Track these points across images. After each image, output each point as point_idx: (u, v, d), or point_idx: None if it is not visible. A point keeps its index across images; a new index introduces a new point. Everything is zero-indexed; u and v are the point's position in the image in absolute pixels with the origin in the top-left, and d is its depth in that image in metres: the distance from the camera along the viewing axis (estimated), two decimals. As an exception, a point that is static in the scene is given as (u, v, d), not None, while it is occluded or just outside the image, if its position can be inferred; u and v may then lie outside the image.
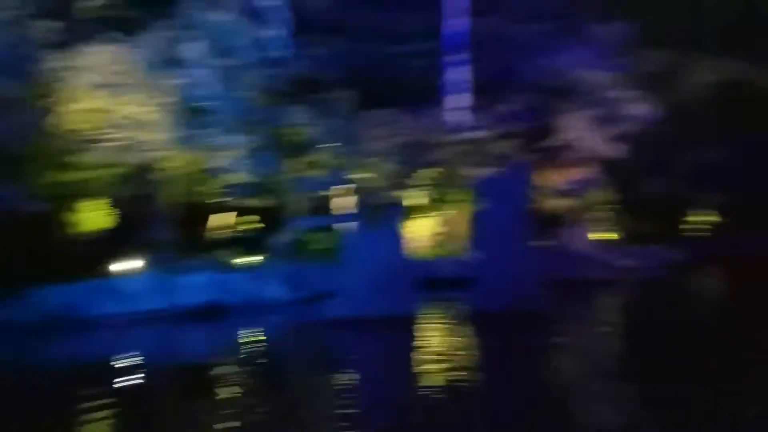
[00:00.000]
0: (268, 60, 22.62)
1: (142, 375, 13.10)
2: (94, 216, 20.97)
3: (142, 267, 21.05)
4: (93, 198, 20.92)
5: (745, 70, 34.41)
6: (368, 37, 25.65)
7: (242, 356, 14.35)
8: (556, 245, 26.90)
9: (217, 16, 21.88)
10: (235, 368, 12.96)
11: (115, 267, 20.65)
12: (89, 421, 9.59)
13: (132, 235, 21.58)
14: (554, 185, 29.82)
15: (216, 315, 19.85)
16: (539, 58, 29.67)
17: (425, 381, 11.40)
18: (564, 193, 29.62)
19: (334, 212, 25.34)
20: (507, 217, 16.92)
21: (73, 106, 19.43)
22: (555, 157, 29.43)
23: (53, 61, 19.01)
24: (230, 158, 22.38)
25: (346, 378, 11.96)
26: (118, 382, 12.31)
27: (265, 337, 17.09)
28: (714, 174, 33.08)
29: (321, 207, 25.49)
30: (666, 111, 30.78)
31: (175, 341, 17.75)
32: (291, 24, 22.33)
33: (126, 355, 15.67)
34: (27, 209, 18.11)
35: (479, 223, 18.19)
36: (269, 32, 22.52)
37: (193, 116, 21.58)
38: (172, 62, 20.96)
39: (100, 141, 19.85)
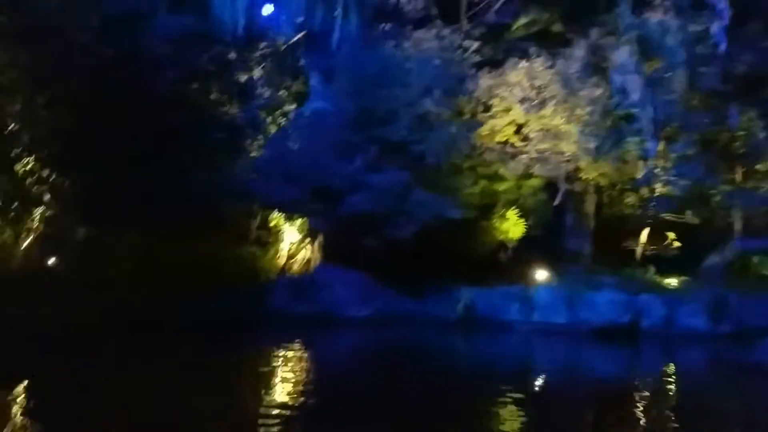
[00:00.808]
0: (702, 57, 20.00)
1: (554, 387, 12.85)
2: (514, 225, 21.81)
3: (555, 278, 20.99)
4: (514, 208, 21.76)
5: None
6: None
7: (655, 388, 12.80)
8: None
9: (647, 16, 20.33)
10: (646, 400, 11.65)
11: (530, 276, 21.08)
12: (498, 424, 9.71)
13: (548, 246, 21.75)
14: None
15: (624, 337, 18.53)
16: None
17: None
18: None
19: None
20: None
21: (496, 120, 20.51)
22: None
23: (481, 79, 20.36)
24: (655, 168, 20.58)
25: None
26: (530, 390, 12.28)
27: (679, 371, 14.99)
28: None
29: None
30: None
31: (583, 358, 17.24)
32: (728, 15, 19.24)
33: (537, 364, 15.92)
34: (454, 217, 19.81)
35: None
36: (704, 27, 19.86)
37: (615, 125, 20.54)
38: (596, 70, 20.33)
39: (519, 153, 20.51)
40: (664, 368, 15.37)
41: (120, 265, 16.70)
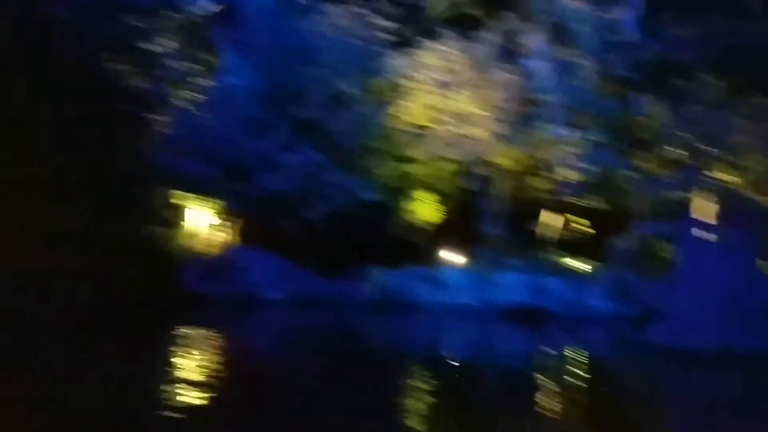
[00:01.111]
0: (613, 45, 20.42)
1: (459, 369, 12.89)
2: (426, 207, 21.83)
3: (466, 260, 21.20)
4: (427, 190, 21.76)
5: None
6: (739, 12, 21.19)
7: (560, 369, 12.95)
8: None
9: (562, 3, 20.58)
10: (551, 381, 11.72)
11: (441, 257, 21.21)
12: (405, 407, 9.57)
13: (461, 229, 21.90)
14: None
15: (531, 318, 18.92)
16: None
17: None
18: None
19: (689, 218, 21.75)
20: None
21: (409, 102, 20.38)
22: None
23: (393, 59, 20.17)
24: (566, 153, 20.93)
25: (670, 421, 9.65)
26: (435, 373, 12.16)
27: (585, 353, 15.29)
28: None
29: (673, 211, 22.13)
30: None
31: (490, 340, 17.48)
32: (640, 5, 19.68)
33: (444, 345, 15.95)
34: (366, 198, 19.64)
35: None
36: (616, 15, 20.27)
37: (528, 110, 20.76)
38: (509, 55, 20.46)
39: (432, 136, 20.47)
40: (568, 348, 15.71)
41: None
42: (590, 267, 21.31)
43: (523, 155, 21.33)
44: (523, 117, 20.61)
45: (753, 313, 13.78)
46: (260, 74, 19.61)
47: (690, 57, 21.11)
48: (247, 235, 20.49)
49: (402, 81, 20.30)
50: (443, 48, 19.97)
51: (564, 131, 20.34)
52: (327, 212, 19.37)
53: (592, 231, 22.71)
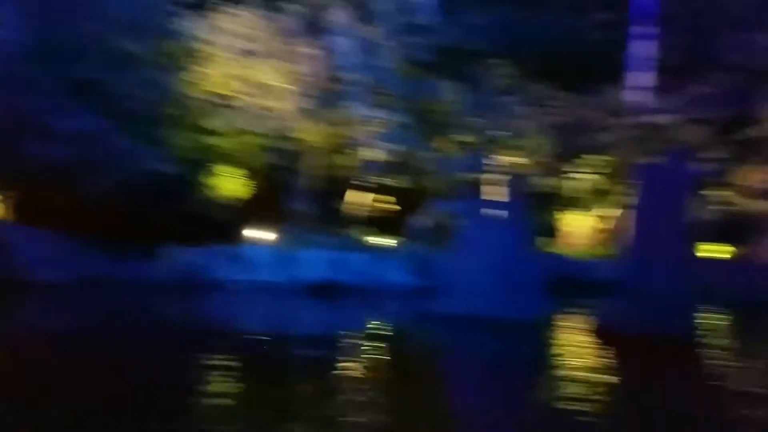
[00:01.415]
0: (414, 27, 21.08)
1: (257, 344, 12.52)
2: (230, 182, 21.14)
3: (273, 237, 20.91)
4: (230, 164, 21.05)
5: None
6: (534, 4, 22.95)
7: (357, 339, 13.17)
8: (745, 256, 22.39)
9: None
10: (348, 351, 11.86)
11: (246, 235, 20.71)
12: (203, 382, 9.15)
13: (267, 205, 21.54)
14: (753, 185, 24.84)
15: (334, 293, 19.16)
16: (746, 32, 24.77)
17: (537, 401, 9.19)
18: (764, 195, 24.55)
19: (482, 197, 23.23)
20: (662, 217, 13.76)
21: (209, 70, 19.50)
22: (755, 151, 24.46)
23: (189, 21, 19.08)
24: (370, 133, 21.36)
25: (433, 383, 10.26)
26: (235, 349, 11.72)
27: (381, 323, 15.75)
28: None
29: (468, 190, 23.55)
30: None
31: (292, 315, 17.35)
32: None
33: (242, 322, 15.55)
34: (162, 170, 18.47)
35: (632, 221, 15.13)
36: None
37: (333, 87, 20.81)
38: (313, 30, 20.29)
39: (234, 106, 19.79)
40: (369, 321, 16.07)
41: None
42: (393, 243, 22.04)
43: (328, 132, 21.39)
44: (329, 94, 20.62)
45: (526, 283, 14.96)
46: (30, 26, 17.25)
47: (484, 44, 22.49)
48: (19, 210, 18.36)
49: (199, 46, 19.26)
50: (245, 14, 19.24)
51: (368, 111, 20.67)
52: (112, 184, 17.81)
53: (395, 208, 23.51)
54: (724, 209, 24.58)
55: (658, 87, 25.03)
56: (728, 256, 23.37)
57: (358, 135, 21.18)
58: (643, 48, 25.50)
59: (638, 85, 25.29)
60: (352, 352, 11.83)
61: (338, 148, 22.17)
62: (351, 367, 10.58)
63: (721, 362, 11.60)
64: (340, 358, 11.17)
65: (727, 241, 23.88)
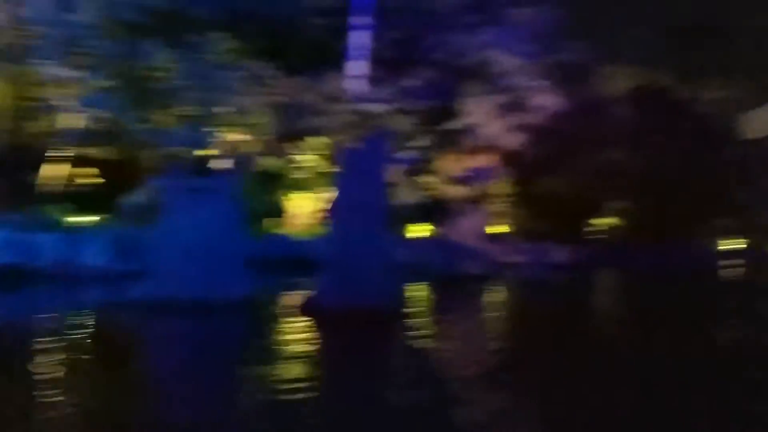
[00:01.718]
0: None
1: None
2: None
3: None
4: None
5: (663, 79, 33.49)
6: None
7: (50, 332, 11.27)
8: (442, 235, 24.82)
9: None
10: (40, 344, 10.17)
11: None
12: None
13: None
14: (451, 172, 27.68)
15: (22, 279, 16.70)
16: (451, 33, 27.41)
17: (242, 382, 8.63)
18: (460, 181, 27.50)
19: (193, 173, 22.16)
20: (362, 197, 14.31)
21: None
22: (454, 141, 27.26)
23: None
24: (66, 96, 18.90)
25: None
26: None
27: (77, 312, 13.88)
28: (620, 177, 31.79)
29: (180, 166, 22.29)
30: (577, 106, 29.16)
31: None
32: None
33: None
34: None
35: (334, 201, 15.54)
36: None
37: (18, 40, 17.96)
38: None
39: None
40: (59, 310, 14.13)
41: None
42: (95, 221, 19.92)
43: (14, 93, 18.45)
44: (14, 48, 17.74)
45: (231, 264, 14.49)
46: None
47: (204, 14, 21.41)
48: None
49: None
50: None
51: (62, 71, 18.24)
52: None
53: (100, 182, 21.30)
54: (427, 193, 27.00)
55: (373, 76, 26.40)
56: (429, 234, 25.66)
57: (53, 98, 18.60)
58: (360, 38, 26.68)
59: (355, 73, 26.41)
60: (37, 347, 10.27)
61: (31, 114, 19.28)
62: (36, 362, 9.17)
63: (421, 330, 12.46)
64: (23, 354, 9.61)
65: (429, 222, 26.25)
